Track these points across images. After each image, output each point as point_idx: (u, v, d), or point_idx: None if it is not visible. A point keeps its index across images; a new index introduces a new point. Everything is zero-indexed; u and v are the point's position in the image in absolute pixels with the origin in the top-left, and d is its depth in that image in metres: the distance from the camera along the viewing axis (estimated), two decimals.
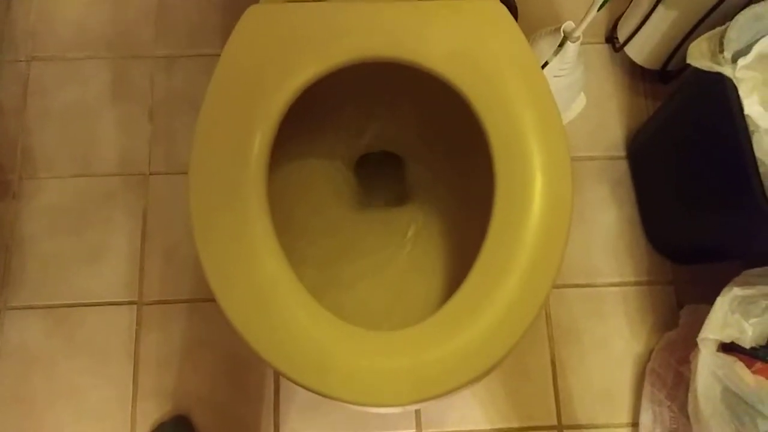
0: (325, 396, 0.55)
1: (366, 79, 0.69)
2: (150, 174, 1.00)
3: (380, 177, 0.84)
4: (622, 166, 1.02)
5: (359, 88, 0.73)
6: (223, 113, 0.60)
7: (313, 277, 0.75)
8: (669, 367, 0.90)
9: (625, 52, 1.04)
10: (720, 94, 0.73)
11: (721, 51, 0.71)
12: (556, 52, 0.85)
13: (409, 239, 0.80)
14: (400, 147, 0.82)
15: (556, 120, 0.60)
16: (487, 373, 0.56)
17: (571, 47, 0.84)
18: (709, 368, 0.77)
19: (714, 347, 0.78)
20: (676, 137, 0.89)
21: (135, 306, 0.94)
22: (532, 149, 0.59)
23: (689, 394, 0.79)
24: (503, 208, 0.58)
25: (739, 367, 0.74)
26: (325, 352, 0.55)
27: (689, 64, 0.76)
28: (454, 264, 0.74)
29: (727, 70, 0.71)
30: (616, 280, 0.97)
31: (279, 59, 0.61)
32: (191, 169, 0.59)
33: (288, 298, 0.57)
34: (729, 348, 0.78)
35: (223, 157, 0.59)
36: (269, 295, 0.57)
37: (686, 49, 0.94)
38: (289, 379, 0.55)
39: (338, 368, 0.55)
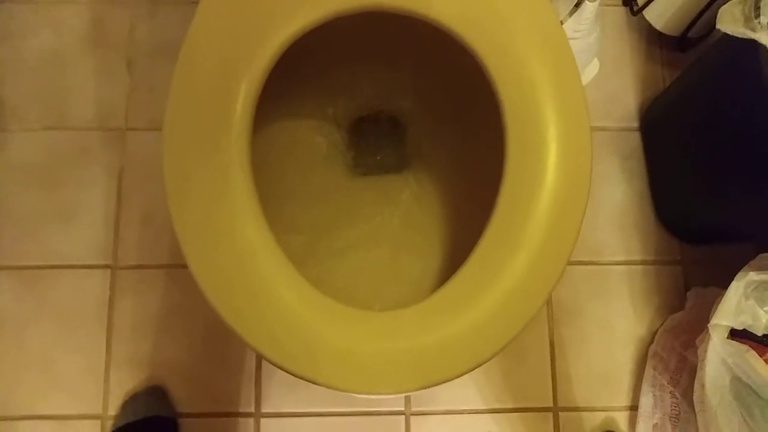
0: (314, 383, 0.50)
1: (364, 32, 0.62)
2: (127, 129, 0.93)
3: (375, 141, 0.78)
4: (635, 139, 0.96)
5: (356, 43, 0.67)
6: (202, 65, 0.53)
7: (302, 245, 0.70)
8: (672, 350, 0.85)
9: (642, 16, 0.97)
10: (752, 63, 0.67)
11: (757, 16, 0.65)
12: (572, 12, 0.79)
13: (405, 209, 0.74)
14: (399, 109, 0.76)
15: (576, 84, 0.54)
16: (490, 357, 0.51)
17: (588, 7, 0.78)
18: (719, 356, 0.73)
19: (725, 334, 0.73)
20: (696, 109, 0.83)
21: (109, 270, 0.88)
22: (548, 115, 0.53)
23: (696, 382, 0.75)
24: (514, 180, 0.52)
25: (752, 357, 0.70)
26: (313, 333, 0.50)
27: (712, 32, 0.70)
28: (454, 238, 0.69)
29: (762, 37, 0.64)
30: (622, 258, 0.92)
31: (266, 6, 0.54)
32: (166, 124, 0.53)
33: (271, 272, 0.51)
34: (739, 335, 0.74)
35: (201, 112, 0.53)
36: (250, 269, 0.51)
37: (710, 14, 0.88)
38: (271, 362, 0.50)
39: (328, 353, 0.50)
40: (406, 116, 0.75)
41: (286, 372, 0.50)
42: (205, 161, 0.52)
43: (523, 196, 0.52)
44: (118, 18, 0.97)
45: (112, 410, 0.83)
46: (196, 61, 0.54)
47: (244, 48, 0.54)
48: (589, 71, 0.93)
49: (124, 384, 0.84)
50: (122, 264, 0.88)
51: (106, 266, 0.88)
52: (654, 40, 1.00)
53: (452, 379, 0.51)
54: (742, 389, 0.69)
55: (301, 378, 0.50)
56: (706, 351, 0.73)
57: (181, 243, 0.51)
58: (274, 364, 0.50)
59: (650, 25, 0.96)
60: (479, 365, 0.51)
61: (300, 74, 0.64)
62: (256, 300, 0.50)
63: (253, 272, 0.51)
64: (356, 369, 0.50)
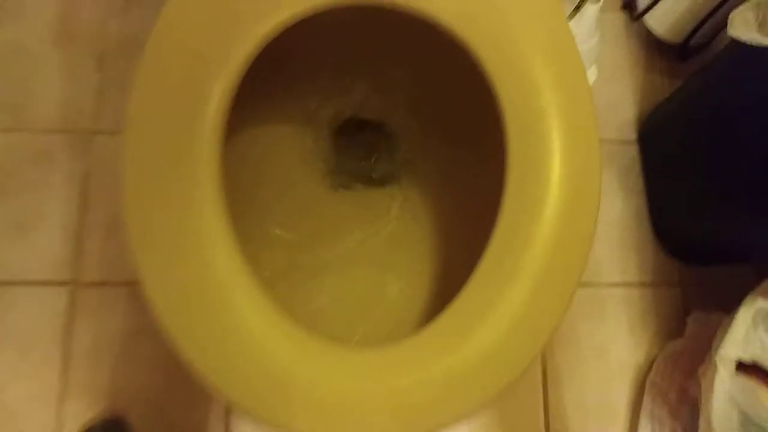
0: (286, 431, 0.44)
1: (354, 30, 0.57)
2: (95, 132, 0.86)
3: (362, 151, 0.72)
4: (632, 151, 0.91)
5: (342, 41, 0.61)
6: (171, 61, 0.47)
7: (280, 262, 0.64)
8: (672, 380, 0.80)
9: (642, 23, 0.92)
10: (764, 72, 0.62)
11: None
12: (572, 15, 0.74)
13: (392, 226, 0.68)
14: (389, 117, 0.70)
15: (583, 91, 0.49)
16: (486, 403, 0.46)
17: (590, 10, 0.73)
18: (726, 391, 0.67)
19: (733, 366, 0.68)
20: (699, 120, 0.78)
21: (68, 287, 0.81)
22: (553, 126, 0.48)
23: (701, 418, 0.70)
24: (515, 198, 0.47)
25: (763, 393, 0.65)
26: (287, 373, 0.44)
27: (715, 39, 0.65)
28: (446, 260, 0.63)
29: None
30: (617, 279, 0.87)
31: None
32: (127, 128, 0.47)
33: (240, 301, 0.45)
34: (748, 368, 0.69)
35: (168, 115, 0.47)
36: (215, 296, 0.45)
37: (714, 21, 0.84)
38: (237, 406, 0.44)
39: (305, 395, 0.44)
40: (397, 124, 0.69)
41: (256, 419, 0.44)
42: (171, 171, 0.46)
43: (525, 217, 0.46)
44: (88, 9, 0.90)
45: None
46: (163, 56, 0.47)
47: (220, 42, 0.47)
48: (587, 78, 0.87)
49: (79, 415, 0.76)
50: (83, 280, 0.81)
51: (65, 282, 0.81)
52: (654, 48, 0.95)
53: (443, 427, 0.45)
54: (752, 429, 0.64)
55: (274, 425, 0.44)
56: (711, 384, 0.68)
57: (138, 263, 0.45)
58: (241, 409, 0.44)
59: (650, 31, 0.92)
60: (474, 411, 0.45)
61: (280, 74, 0.58)
62: (221, 332, 0.44)
63: (219, 300, 0.45)
64: (338, 415, 0.44)
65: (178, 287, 0.44)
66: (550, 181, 0.47)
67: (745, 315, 0.69)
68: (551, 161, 0.48)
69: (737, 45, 0.64)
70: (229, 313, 0.44)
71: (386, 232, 0.68)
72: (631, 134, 0.92)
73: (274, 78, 0.58)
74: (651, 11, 0.89)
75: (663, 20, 0.89)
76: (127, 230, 0.45)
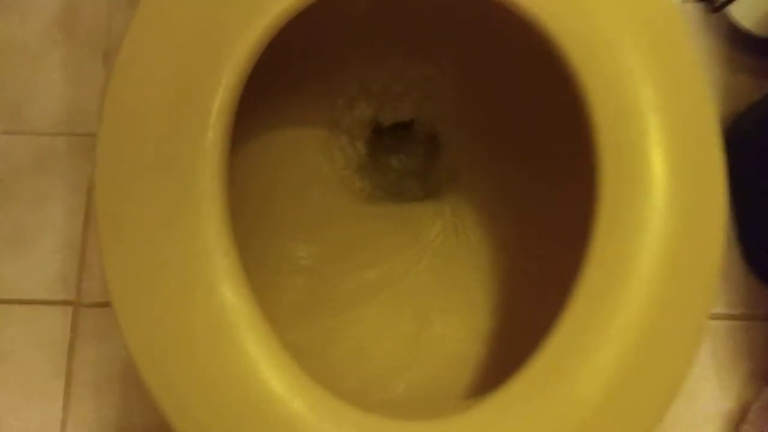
0: None
1: (386, 11, 0.46)
2: None
3: (399, 158, 0.62)
4: None
5: (378, 27, 0.50)
6: (157, 54, 0.38)
7: (300, 291, 0.54)
8: None
9: (723, 15, 0.80)
10: None
11: None
12: None
13: (436, 249, 0.57)
14: (432, 118, 0.59)
15: (702, 102, 0.37)
16: None
17: None
18: None
19: None
20: None
21: (71, 307, 0.73)
22: (656, 147, 0.36)
23: None
24: (606, 238, 0.35)
25: None
26: None
27: None
28: (502, 297, 0.52)
29: None
30: None
31: None
32: (102, 130, 0.37)
33: (246, 347, 0.35)
34: None
35: (157, 114, 0.37)
36: (213, 345, 0.35)
37: None
38: None
39: None
40: (441, 127, 0.59)
41: None
42: (160, 186, 0.36)
43: (622, 264, 0.35)
44: (93, 4, 0.82)
45: None
46: (149, 46, 0.38)
47: (222, 25, 0.37)
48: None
49: None
50: (87, 300, 0.73)
51: (67, 302, 0.73)
52: (738, 43, 0.82)
53: None
54: None
55: None
56: None
57: (116, 307, 0.35)
58: None
59: (731, 24, 0.80)
60: None
61: (302, 68, 0.48)
62: (220, 401, 0.34)
63: (217, 349, 0.35)
64: None
65: (162, 333, 0.34)
66: (655, 219, 0.36)
67: None
68: (655, 190, 0.36)
69: None
70: (228, 366, 0.34)
71: (428, 257, 0.57)
72: None
73: (292, 73, 0.49)
74: (736, 1, 0.77)
75: (752, 9, 0.77)
76: (103, 262, 0.35)
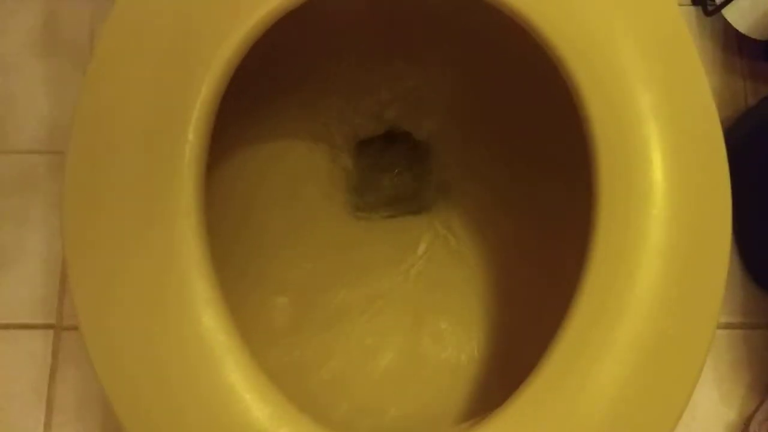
0: None
1: (375, 17, 0.44)
2: None
3: (389, 171, 0.60)
4: None
5: (363, 34, 0.49)
6: (130, 64, 0.35)
7: (286, 311, 0.52)
8: None
9: (718, 18, 0.79)
10: None
11: None
12: None
13: (426, 261, 0.55)
14: (423, 129, 0.57)
15: (705, 107, 0.36)
16: None
17: None
18: None
19: None
20: None
21: (52, 331, 0.70)
22: (656, 154, 0.34)
23: None
24: (606, 247, 0.33)
25: None
26: None
27: None
28: (498, 309, 0.50)
29: None
30: None
31: None
32: (72, 142, 0.35)
33: (223, 374, 0.33)
34: None
35: (130, 126, 0.35)
36: (186, 369, 0.32)
37: None
38: None
39: None
40: (432, 137, 0.57)
41: None
42: (132, 203, 0.34)
43: (624, 274, 0.33)
44: (75, 16, 0.79)
45: None
46: (121, 55, 0.36)
47: (202, 31, 0.35)
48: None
49: None
50: (68, 323, 0.70)
51: (48, 326, 0.70)
52: (732, 47, 0.81)
53: None
54: None
55: None
56: None
57: (84, 333, 0.33)
58: None
59: (727, 27, 0.78)
60: None
61: (285, 78, 0.46)
62: (204, 429, 0.32)
63: (198, 384, 0.32)
64: None
65: (134, 360, 0.32)
66: (656, 227, 0.34)
67: None
68: (655, 200, 0.34)
69: None
70: (205, 395, 0.32)
71: (418, 272, 0.55)
72: None
73: (275, 83, 0.47)
74: (731, 4, 0.76)
75: (747, 13, 0.76)
76: (69, 275, 0.33)
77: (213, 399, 0.32)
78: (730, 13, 0.77)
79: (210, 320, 0.33)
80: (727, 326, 0.72)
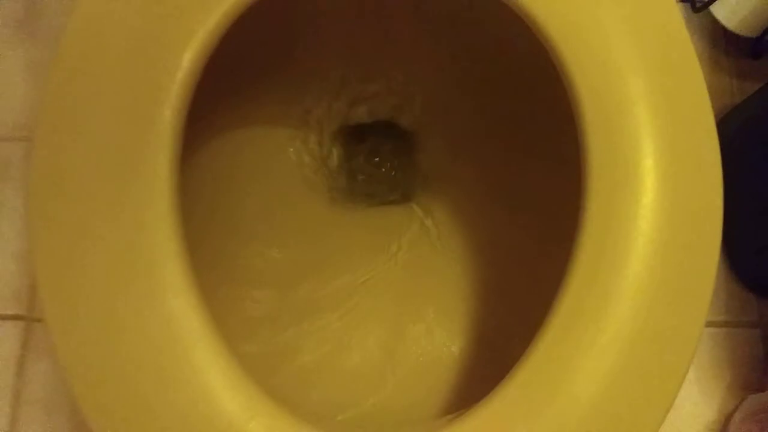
0: None
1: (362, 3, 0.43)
2: None
3: (373, 159, 0.58)
4: None
5: (355, 16, 0.47)
6: (102, 45, 0.34)
7: (269, 301, 0.51)
8: None
9: (707, 14, 0.78)
10: None
11: None
12: None
13: (410, 249, 0.54)
14: (407, 116, 0.56)
15: (698, 98, 0.35)
16: None
17: None
18: None
19: None
20: None
21: (22, 322, 0.68)
22: (647, 144, 0.33)
23: None
24: (596, 232, 0.32)
25: None
26: None
27: None
28: (484, 296, 0.48)
29: None
30: None
31: None
32: (40, 128, 0.33)
33: (204, 370, 0.31)
34: None
35: (102, 109, 0.33)
36: (162, 360, 0.31)
37: None
38: None
39: None
40: (417, 125, 0.55)
41: None
42: (100, 184, 0.32)
43: (611, 265, 0.32)
44: (58, 3, 0.78)
45: None
46: (93, 37, 0.34)
47: (173, 17, 0.34)
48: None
49: None
50: (40, 315, 0.68)
51: (18, 317, 0.68)
52: (720, 44, 0.81)
53: None
54: None
55: None
56: None
57: (48, 320, 0.31)
58: None
59: (715, 24, 0.78)
60: None
61: (268, 63, 0.44)
62: (174, 420, 0.30)
63: (169, 373, 0.31)
64: None
65: (101, 349, 0.30)
66: (646, 219, 0.33)
67: None
68: (643, 183, 0.33)
69: None
70: (176, 385, 0.30)
71: (401, 263, 0.54)
72: None
73: (257, 68, 0.45)
74: (719, 1, 0.76)
75: (735, 10, 0.75)
76: (33, 258, 0.31)
77: (183, 389, 0.31)
78: (718, 10, 0.76)
79: (182, 307, 0.31)
80: (709, 324, 0.71)
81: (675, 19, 0.36)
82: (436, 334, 0.47)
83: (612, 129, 0.33)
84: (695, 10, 0.80)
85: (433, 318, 0.48)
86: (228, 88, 0.44)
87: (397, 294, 0.52)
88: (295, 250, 0.52)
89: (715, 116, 0.75)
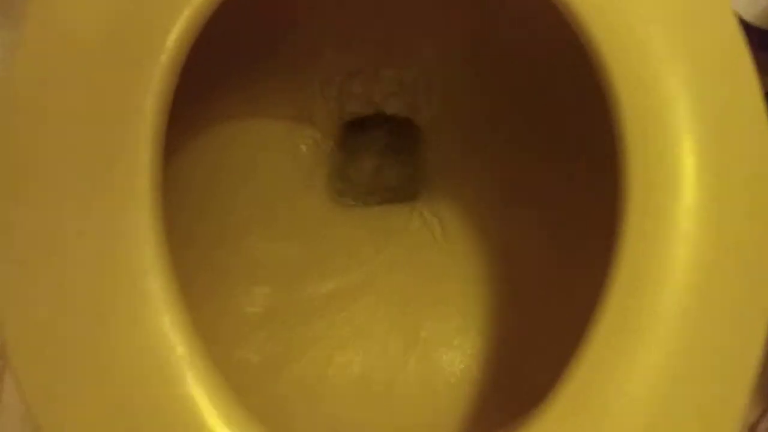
0: None
1: None
2: None
3: (375, 155, 0.55)
4: None
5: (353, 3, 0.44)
6: (68, 40, 0.30)
7: (265, 300, 0.47)
8: None
9: None
10: None
11: None
12: None
13: (415, 251, 0.50)
14: (412, 110, 0.52)
15: (748, 94, 0.31)
16: None
17: None
18: None
19: None
20: None
21: None
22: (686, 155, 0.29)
23: None
24: (637, 241, 0.28)
25: None
26: None
27: None
28: (499, 305, 0.45)
29: None
30: None
31: None
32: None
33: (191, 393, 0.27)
34: None
35: (74, 100, 0.29)
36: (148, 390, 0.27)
37: None
38: None
39: None
40: (425, 119, 0.51)
41: None
42: (72, 183, 0.28)
43: (656, 271, 0.28)
44: None
45: None
46: (57, 24, 0.30)
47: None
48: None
49: None
50: None
51: None
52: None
53: None
54: None
55: None
56: None
57: (11, 354, 0.27)
58: None
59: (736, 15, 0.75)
60: None
61: (259, 47, 0.41)
62: None
63: (154, 405, 0.27)
64: None
65: (64, 361, 0.26)
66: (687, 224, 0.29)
67: None
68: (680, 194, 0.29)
69: None
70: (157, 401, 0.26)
71: (409, 263, 0.50)
72: None
73: (252, 52, 0.41)
74: None
75: (754, 2, 0.72)
76: None
77: (171, 420, 0.27)
78: (736, 1, 0.74)
79: (167, 327, 0.27)
80: None
81: (724, 8, 0.32)
82: (445, 346, 0.43)
83: (653, 127, 0.29)
84: None
85: (443, 327, 0.44)
86: (218, 76, 0.41)
87: (402, 299, 0.48)
88: (294, 249, 0.49)
89: None
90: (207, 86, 0.39)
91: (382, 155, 0.53)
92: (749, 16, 0.73)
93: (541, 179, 0.44)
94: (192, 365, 0.27)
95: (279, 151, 0.48)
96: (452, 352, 0.43)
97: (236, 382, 0.30)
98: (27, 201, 0.27)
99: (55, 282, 0.27)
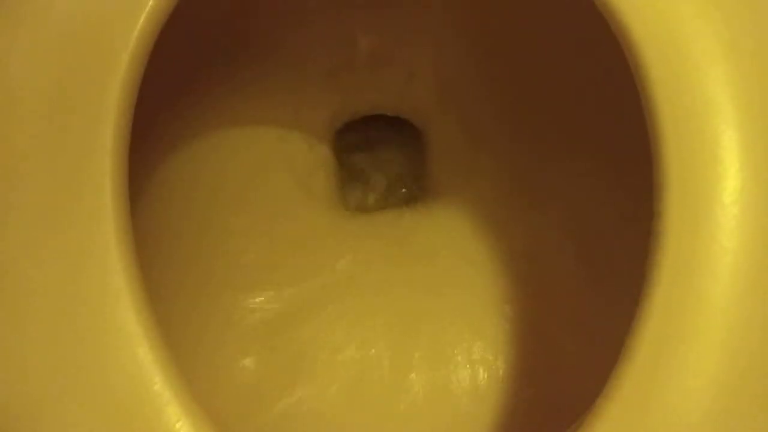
0: None
1: None
2: None
3: (376, 159, 0.53)
4: None
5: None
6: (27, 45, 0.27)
7: (268, 305, 0.45)
8: None
9: None
10: None
11: None
12: None
13: (422, 262, 0.47)
14: (414, 110, 0.49)
15: None
16: None
17: None
18: None
19: None
20: None
21: None
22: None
23: None
24: (677, 249, 0.25)
25: None
26: None
27: None
28: (515, 320, 0.41)
29: None
30: None
31: None
32: None
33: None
34: None
35: (34, 105, 0.26)
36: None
37: None
38: None
39: None
40: (428, 119, 0.48)
41: None
42: (30, 201, 0.25)
43: (701, 278, 0.25)
44: None
45: None
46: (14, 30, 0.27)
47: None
48: None
49: None
50: None
51: None
52: None
53: None
54: None
55: None
56: None
57: None
58: None
59: None
60: None
61: (251, 51, 0.38)
62: None
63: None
64: None
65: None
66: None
67: None
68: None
69: None
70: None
71: (416, 270, 0.47)
72: None
73: (241, 58, 0.39)
74: None
75: None
76: None
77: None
78: None
79: (144, 362, 0.24)
80: None
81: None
82: (461, 365, 0.40)
83: (692, 129, 0.26)
84: None
85: (448, 337, 0.41)
86: (208, 83, 0.38)
87: (412, 310, 0.45)
88: (294, 260, 0.46)
89: None
90: (201, 97, 0.36)
91: (383, 159, 0.50)
92: None
93: (555, 181, 0.41)
94: (169, 402, 0.24)
95: (271, 159, 0.45)
96: (463, 363, 0.40)
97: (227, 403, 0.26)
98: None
99: (12, 311, 0.24)
